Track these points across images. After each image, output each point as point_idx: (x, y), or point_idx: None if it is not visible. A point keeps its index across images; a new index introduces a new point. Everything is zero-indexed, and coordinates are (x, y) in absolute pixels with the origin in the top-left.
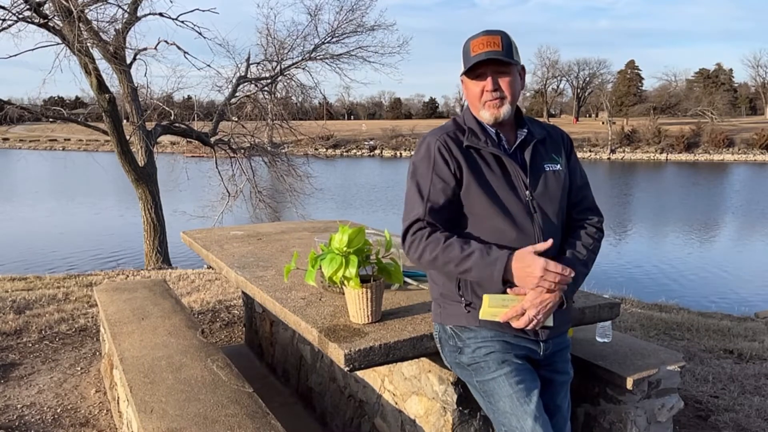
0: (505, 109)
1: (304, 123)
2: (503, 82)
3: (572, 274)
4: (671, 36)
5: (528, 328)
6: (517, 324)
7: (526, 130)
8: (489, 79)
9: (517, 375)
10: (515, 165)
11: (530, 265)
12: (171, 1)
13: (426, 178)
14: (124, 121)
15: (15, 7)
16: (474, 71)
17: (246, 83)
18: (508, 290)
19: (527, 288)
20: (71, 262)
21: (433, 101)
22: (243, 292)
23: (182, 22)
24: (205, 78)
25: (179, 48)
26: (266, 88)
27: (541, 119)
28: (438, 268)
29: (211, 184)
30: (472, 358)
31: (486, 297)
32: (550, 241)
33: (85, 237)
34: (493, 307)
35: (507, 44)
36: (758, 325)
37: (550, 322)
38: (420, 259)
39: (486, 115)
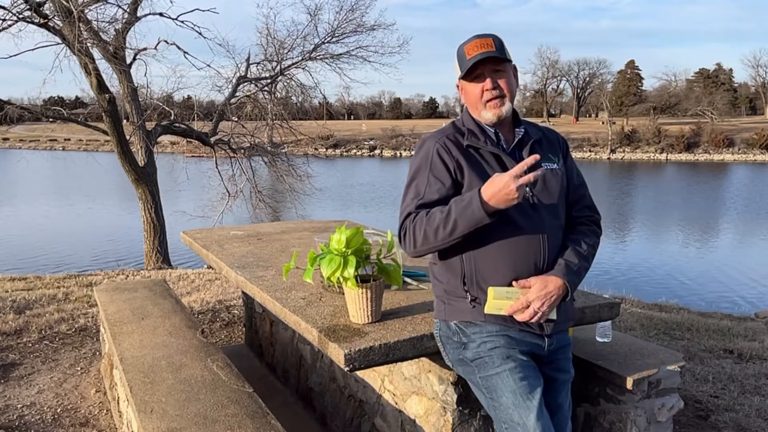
0: (506, 108)
1: (304, 123)
2: (501, 81)
3: (538, 158)
4: (672, 36)
5: (532, 321)
6: (521, 317)
7: (523, 130)
8: (488, 79)
9: (521, 371)
10: (514, 163)
11: (498, 183)
12: (171, 1)
13: (423, 180)
14: (124, 121)
15: (15, 7)
16: (472, 73)
17: (246, 83)
18: (514, 283)
19: (510, 204)
20: (71, 262)
21: (433, 101)
22: (243, 292)
23: (182, 22)
24: (205, 78)
25: (179, 48)
26: (266, 88)
27: (541, 119)
28: (432, 243)
29: (211, 184)
30: (477, 353)
31: (491, 290)
32: (532, 158)
33: (85, 237)
34: (498, 299)
35: (499, 44)
36: (758, 325)
37: (553, 316)
38: (415, 245)
39: (488, 115)
